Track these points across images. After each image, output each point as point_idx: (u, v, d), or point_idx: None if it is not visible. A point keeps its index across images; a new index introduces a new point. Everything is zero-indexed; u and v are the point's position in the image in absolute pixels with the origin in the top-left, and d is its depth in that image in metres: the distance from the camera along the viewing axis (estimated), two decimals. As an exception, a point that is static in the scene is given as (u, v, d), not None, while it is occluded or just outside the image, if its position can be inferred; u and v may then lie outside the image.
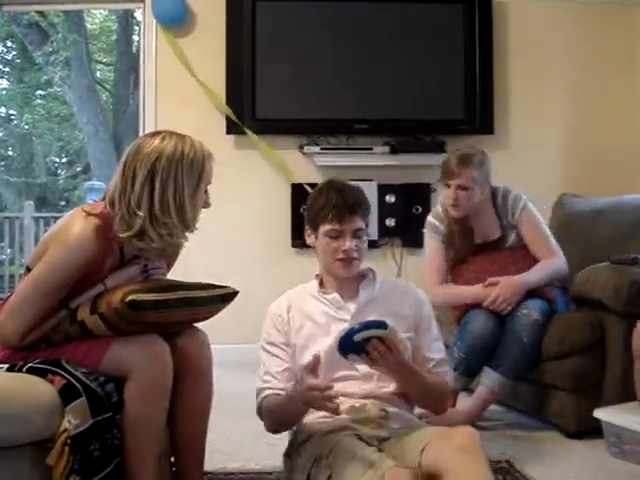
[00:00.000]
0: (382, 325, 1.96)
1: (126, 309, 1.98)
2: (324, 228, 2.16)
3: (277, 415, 2.09)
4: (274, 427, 2.14)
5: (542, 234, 3.27)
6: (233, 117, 4.42)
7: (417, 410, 2.28)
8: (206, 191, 2.18)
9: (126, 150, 2.15)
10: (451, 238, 3.30)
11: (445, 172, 3.21)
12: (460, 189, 3.17)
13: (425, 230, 3.40)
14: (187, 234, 2.18)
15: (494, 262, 3.21)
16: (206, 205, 2.19)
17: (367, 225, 2.21)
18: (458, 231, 3.28)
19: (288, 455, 2.14)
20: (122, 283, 2.10)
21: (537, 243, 3.24)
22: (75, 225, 2.05)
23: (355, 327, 1.95)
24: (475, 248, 3.28)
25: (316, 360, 1.97)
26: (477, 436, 1.83)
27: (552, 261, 3.21)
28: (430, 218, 3.39)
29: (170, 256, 2.31)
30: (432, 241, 3.36)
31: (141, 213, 2.06)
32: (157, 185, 2.07)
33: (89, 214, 2.08)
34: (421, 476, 1.79)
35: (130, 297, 1.98)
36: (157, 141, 2.10)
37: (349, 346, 1.96)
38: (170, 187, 2.07)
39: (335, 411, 1.90)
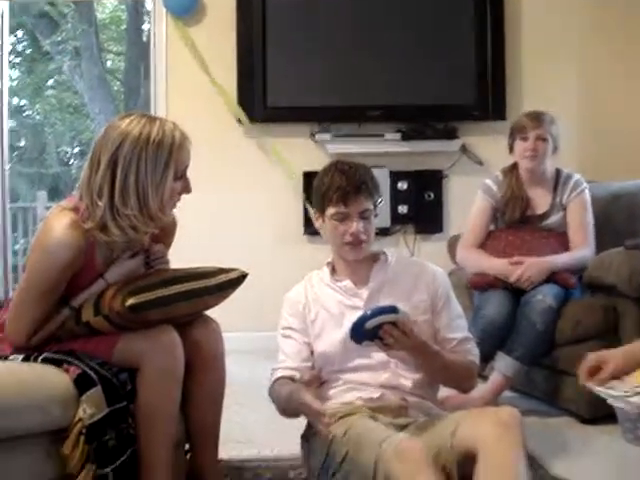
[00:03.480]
0: (393, 310, 1.94)
1: (128, 313, 1.96)
2: (330, 211, 2.13)
3: (281, 405, 2.09)
4: (280, 413, 2.14)
5: (585, 222, 3.29)
6: (243, 118, 4.42)
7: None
8: (183, 176, 2.06)
9: (96, 135, 2.05)
10: (507, 203, 3.32)
11: (520, 127, 3.31)
12: (539, 140, 3.26)
13: (479, 191, 3.42)
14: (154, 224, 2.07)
15: (527, 240, 3.23)
16: (186, 191, 2.08)
17: (375, 205, 2.17)
18: (517, 197, 3.31)
19: (305, 438, 2.14)
20: (123, 278, 2.06)
21: (577, 229, 3.27)
22: (52, 226, 1.98)
23: (366, 314, 1.93)
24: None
25: (313, 376, 1.94)
26: (519, 416, 1.83)
27: (582, 251, 3.22)
28: (487, 180, 3.43)
29: (166, 236, 2.26)
30: (481, 202, 3.39)
31: (101, 204, 1.97)
32: (118, 173, 1.96)
33: (64, 209, 2.02)
34: (453, 457, 1.80)
35: (130, 301, 1.95)
36: (124, 125, 1.99)
37: (362, 334, 1.95)
38: (131, 174, 1.96)
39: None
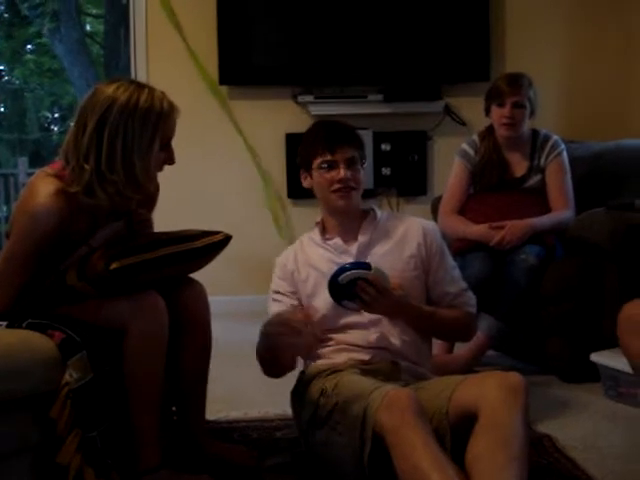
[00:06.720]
0: (366, 266, 1.96)
1: (111, 277, 1.95)
2: (317, 162, 2.15)
3: (263, 355, 2.08)
4: (264, 370, 2.13)
5: (563, 185, 3.27)
6: (222, 96, 4.42)
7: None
8: (168, 146, 2.05)
9: (81, 98, 2.04)
10: (484, 167, 3.29)
11: (497, 93, 3.25)
12: (516, 107, 3.20)
13: (456, 156, 3.39)
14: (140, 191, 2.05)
15: (507, 203, 3.21)
16: (169, 162, 2.07)
17: (363, 159, 2.19)
18: (495, 161, 3.28)
19: (297, 392, 2.16)
20: (107, 242, 2.05)
21: (555, 192, 3.24)
22: (37, 192, 1.97)
23: (339, 269, 1.96)
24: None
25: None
26: (525, 382, 1.84)
27: (562, 213, 3.22)
28: (464, 145, 3.38)
29: (149, 200, 2.25)
30: (459, 168, 3.35)
31: (88, 167, 1.95)
32: (105, 138, 1.94)
33: (47, 174, 2.01)
34: (447, 423, 1.82)
35: (113, 265, 1.94)
36: (111, 90, 1.97)
37: (338, 291, 1.98)
38: (119, 141, 1.94)
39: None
